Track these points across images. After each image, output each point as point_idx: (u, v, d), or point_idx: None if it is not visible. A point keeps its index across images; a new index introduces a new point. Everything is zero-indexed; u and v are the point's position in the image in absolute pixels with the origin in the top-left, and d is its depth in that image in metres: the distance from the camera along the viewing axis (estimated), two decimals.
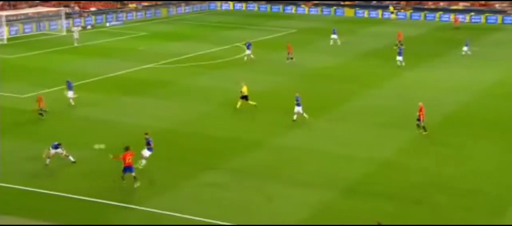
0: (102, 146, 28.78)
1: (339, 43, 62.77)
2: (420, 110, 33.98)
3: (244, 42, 58.78)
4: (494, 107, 40.57)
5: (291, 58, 53.57)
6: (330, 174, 28.73)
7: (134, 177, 26.60)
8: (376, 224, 20.77)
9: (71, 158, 29.19)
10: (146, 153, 28.79)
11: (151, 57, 56.15)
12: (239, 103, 38.20)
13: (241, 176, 28.34)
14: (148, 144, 28.88)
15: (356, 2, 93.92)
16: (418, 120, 34.07)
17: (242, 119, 37.49)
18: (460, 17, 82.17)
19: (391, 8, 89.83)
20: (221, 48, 61.42)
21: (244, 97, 38.23)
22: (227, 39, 66.94)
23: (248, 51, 54.09)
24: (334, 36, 63.65)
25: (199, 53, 58.94)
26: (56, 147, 28.85)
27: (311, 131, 35.27)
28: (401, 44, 59.40)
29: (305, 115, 35.89)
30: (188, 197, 26.09)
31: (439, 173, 28.79)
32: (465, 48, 57.83)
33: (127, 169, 26.50)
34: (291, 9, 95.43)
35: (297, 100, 35.67)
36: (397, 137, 33.77)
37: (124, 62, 53.66)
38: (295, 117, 35.76)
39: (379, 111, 38.77)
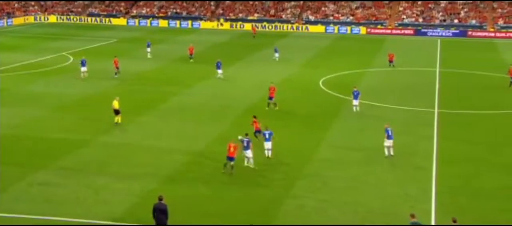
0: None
1: (149, 56, 59.67)
2: (272, 91, 37.85)
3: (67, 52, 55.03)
4: (287, 98, 42.28)
5: (117, 73, 48.53)
6: (153, 165, 27.90)
7: (232, 166, 26.38)
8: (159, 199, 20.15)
9: None
10: (248, 153, 27.22)
11: None
12: (116, 119, 33.80)
13: (70, 173, 26.47)
14: (247, 144, 27.16)
15: (169, 14, 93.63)
16: (270, 98, 37.56)
17: (71, 120, 35.26)
18: (256, 27, 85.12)
19: (221, 20, 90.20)
20: (47, 57, 57.50)
21: (116, 112, 33.95)
22: (52, 49, 63.04)
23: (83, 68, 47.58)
24: (148, 49, 60.37)
25: (26, 62, 54.65)
26: None
27: (136, 128, 34.13)
28: (190, 57, 57.32)
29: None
30: (18, 197, 23.76)
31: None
32: (276, 55, 58.77)
33: (230, 158, 26.41)
34: (111, 21, 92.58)
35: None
36: (210, 130, 33.85)
37: None
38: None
39: (195, 108, 38.70)
